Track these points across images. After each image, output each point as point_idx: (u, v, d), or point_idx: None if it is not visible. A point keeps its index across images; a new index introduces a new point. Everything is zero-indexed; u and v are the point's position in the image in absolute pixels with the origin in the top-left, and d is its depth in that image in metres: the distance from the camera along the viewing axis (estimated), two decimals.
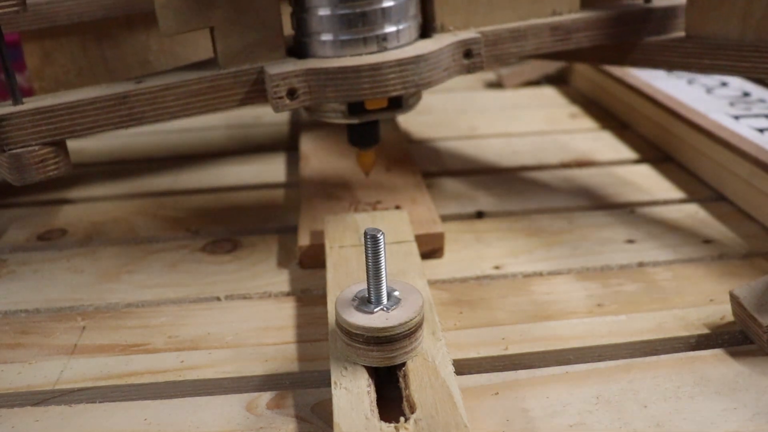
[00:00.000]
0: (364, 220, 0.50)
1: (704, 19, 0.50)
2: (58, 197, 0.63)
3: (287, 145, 0.73)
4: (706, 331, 0.42)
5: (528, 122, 0.78)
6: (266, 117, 0.82)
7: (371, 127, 0.50)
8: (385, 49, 0.46)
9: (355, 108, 0.47)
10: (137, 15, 0.57)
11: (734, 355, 0.40)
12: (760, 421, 0.35)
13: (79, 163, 0.71)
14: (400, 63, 0.45)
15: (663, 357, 0.40)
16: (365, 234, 0.35)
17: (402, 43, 0.47)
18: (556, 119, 0.78)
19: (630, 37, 0.53)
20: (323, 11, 0.46)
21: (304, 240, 0.50)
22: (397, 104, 0.48)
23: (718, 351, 0.40)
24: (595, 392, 0.37)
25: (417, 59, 0.45)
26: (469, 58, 0.48)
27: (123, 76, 0.59)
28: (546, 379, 0.38)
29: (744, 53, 0.48)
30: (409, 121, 0.79)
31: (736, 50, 0.48)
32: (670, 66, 0.53)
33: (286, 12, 0.47)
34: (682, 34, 0.52)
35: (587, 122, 0.77)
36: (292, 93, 0.44)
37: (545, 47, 0.51)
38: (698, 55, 0.50)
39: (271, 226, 0.57)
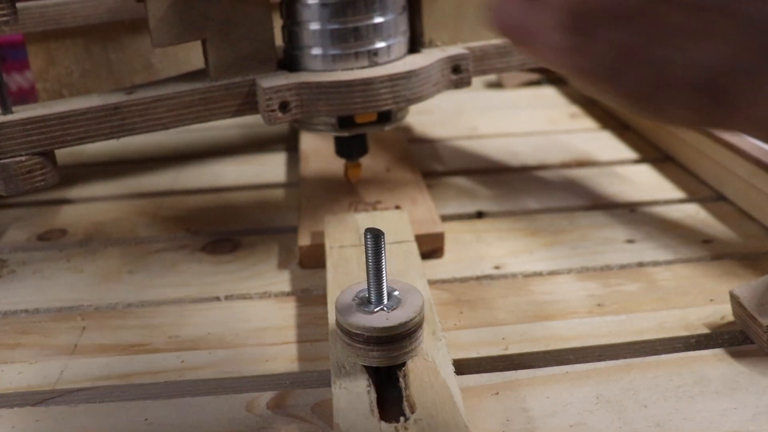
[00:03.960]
0: (364, 220, 0.50)
1: None
2: (58, 197, 0.63)
3: (287, 145, 0.73)
4: (706, 330, 0.42)
5: (528, 122, 0.78)
6: None
7: (359, 139, 0.51)
8: (376, 63, 0.47)
9: (345, 121, 0.48)
10: (142, 19, 0.58)
11: (734, 354, 0.40)
12: (760, 421, 0.35)
13: (79, 163, 0.71)
14: (392, 78, 0.45)
15: (663, 357, 0.40)
16: (365, 234, 0.35)
17: (392, 58, 0.48)
18: (556, 119, 0.78)
19: None
20: (315, 26, 0.46)
21: (304, 240, 0.50)
22: (386, 118, 0.49)
23: (718, 351, 0.40)
24: (595, 392, 0.37)
25: (408, 74, 0.46)
26: (457, 73, 0.49)
27: (126, 78, 0.60)
28: (546, 379, 0.38)
29: None
30: (409, 121, 0.79)
31: None
32: None
33: (277, 24, 0.47)
34: None
35: (587, 122, 0.77)
36: (284, 106, 0.45)
37: (529, 63, 0.53)
38: None
39: (271, 226, 0.57)
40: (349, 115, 0.47)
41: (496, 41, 0.50)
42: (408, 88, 0.46)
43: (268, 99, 0.44)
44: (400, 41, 0.48)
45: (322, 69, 0.46)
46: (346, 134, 0.49)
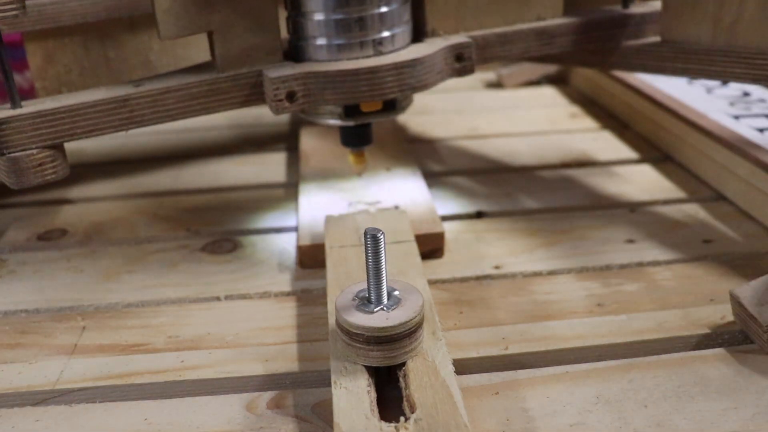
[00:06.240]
0: (364, 220, 0.50)
1: (678, 24, 0.52)
2: (59, 197, 0.63)
3: (287, 144, 0.73)
4: (706, 330, 0.42)
5: (528, 122, 0.78)
6: (266, 117, 0.82)
7: (364, 128, 0.51)
8: (381, 53, 0.47)
9: (351, 110, 0.48)
10: (140, 16, 0.58)
11: (734, 354, 0.40)
12: (760, 421, 0.35)
13: (79, 163, 0.70)
14: (397, 66, 0.46)
15: (663, 357, 0.40)
16: (365, 233, 0.35)
17: (397, 47, 0.48)
18: (557, 119, 0.78)
19: (609, 41, 0.55)
20: (320, 16, 0.46)
21: (304, 240, 0.50)
22: (392, 107, 0.49)
23: (718, 351, 0.40)
24: (595, 392, 0.37)
25: (413, 62, 0.46)
26: (460, 61, 0.49)
27: (125, 76, 0.59)
28: (546, 378, 0.38)
29: (713, 57, 0.50)
30: (410, 121, 0.79)
31: (706, 54, 0.50)
32: (645, 69, 0.55)
33: (282, 15, 0.48)
34: (658, 38, 0.54)
35: (587, 122, 0.77)
36: (291, 96, 0.45)
37: (531, 51, 0.52)
38: (672, 59, 0.52)
39: (271, 226, 0.57)
40: (355, 104, 0.47)
41: (498, 30, 0.51)
42: (413, 76, 0.46)
43: (275, 89, 0.44)
44: (404, 31, 0.48)
45: (327, 59, 0.47)
46: (351, 123, 0.49)
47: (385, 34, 0.47)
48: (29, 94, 0.70)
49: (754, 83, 0.49)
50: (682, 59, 0.51)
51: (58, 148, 0.44)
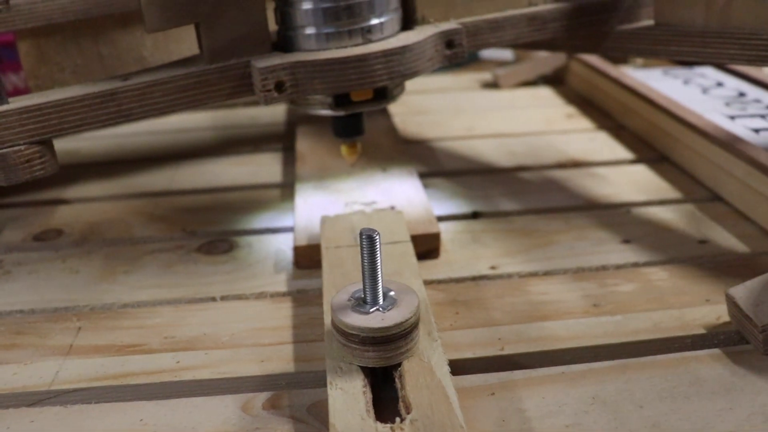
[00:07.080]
0: (360, 221, 0.50)
1: (672, 7, 0.51)
2: (54, 197, 0.63)
3: (283, 145, 0.73)
4: (702, 331, 0.42)
5: (524, 122, 0.78)
6: (262, 117, 0.82)
7: (356, 118, 0.51)
8: (370, 41, 0.47)
9: (341, 100, 0.48)
10: (132, 12, 0.57)
11: (730, 355, 0.40)
12: (755, 422, 0.35)
13: (75, 164, 0.70)
14: (386, 54, 0.45)
15: (659, 357, 0.40)
16: (361, 234, 0.35)
17: (386, 35, 0.48)
18: (553, 119, 0.78)
19: (602, 25, 0.54)
20: (308, 5, 0.46)
21: (300, 240, 0.50)
22: (382, 95, 0.49)
23: (714, 351, 0.40)
24: (591, 392, 0.37)
25: (402, 50, 0.46)
26: (451, 48, 0.49)
27: (118, 73, 0.59)
28: (542, 379, 0.38)
29: (707, 40, 0.49)
30: (406, 122, 0.79)
31: (700, 37, 0.50)
32: (639, 53, 0.54)
33: (269, 6, 0.47)
34: (651, 22, 0.53)
35: (583, 122, 0.77)
36: (279, 86, 0.45)
37: (523, 37, 0.52)
38: (665, 42, 0.52)
39: (267, 227, 0.57)
40: (344, 93, 0.47)
41: (489, 16, 0.50)
42: (402, 64, 0.46)
43: (263, 79, 0.44)
44: (393, 18, 0.48)
45: (316, 48, 0.46)
46: (342, 113, 0.49)
47: (374, 21, 0.47)
48: (26, 93, 0.70)
49: (748, 64, 0.49)
50: (676, 42, 0.51)
51: (47, 143, 0.43)
